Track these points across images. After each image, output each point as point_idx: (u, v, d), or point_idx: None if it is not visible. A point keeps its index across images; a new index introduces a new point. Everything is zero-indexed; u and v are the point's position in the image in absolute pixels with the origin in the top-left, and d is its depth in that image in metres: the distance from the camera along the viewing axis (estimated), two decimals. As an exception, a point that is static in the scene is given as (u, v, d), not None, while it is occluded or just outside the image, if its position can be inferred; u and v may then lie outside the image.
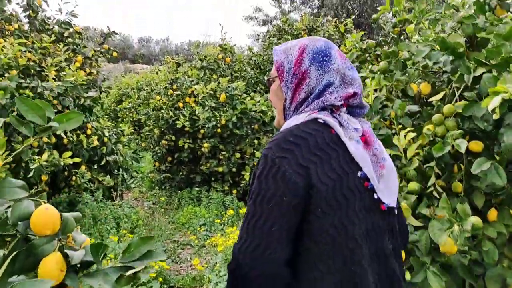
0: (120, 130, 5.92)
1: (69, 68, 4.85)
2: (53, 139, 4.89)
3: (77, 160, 4.57)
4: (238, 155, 5.79)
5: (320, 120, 1.03)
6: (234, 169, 5.82)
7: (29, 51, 4.52)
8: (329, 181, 0.96)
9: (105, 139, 5.62)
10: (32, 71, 4.46)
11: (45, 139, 4.64)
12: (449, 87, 1.92)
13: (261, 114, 5.82)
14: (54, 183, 5.17)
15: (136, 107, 9.89)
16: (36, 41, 4.95)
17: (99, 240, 4.43)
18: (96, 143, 5.31)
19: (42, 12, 5.68)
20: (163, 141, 6.47)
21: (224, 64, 6.85)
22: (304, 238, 0.97)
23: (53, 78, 4.76)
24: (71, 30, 5.70)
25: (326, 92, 1.06)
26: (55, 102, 4.80)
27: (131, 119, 9.57)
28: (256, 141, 5.78)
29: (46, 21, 5.68)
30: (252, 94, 5.95)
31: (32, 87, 4.10)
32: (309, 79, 1.07)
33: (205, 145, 5.85)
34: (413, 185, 1.78)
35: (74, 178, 5.19)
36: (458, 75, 1.81)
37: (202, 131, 5.90)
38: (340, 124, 1.04)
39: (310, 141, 0.98)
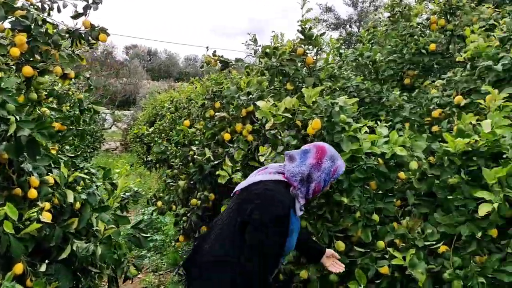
0: (110, 182, 3.09)
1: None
2: None
3: None
4: (340, 244, 2.77)
5: None
6: (332, 276, 2.80)
7: None
8: None
9: (76, 205, 2.79)
10: None
11: None
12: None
13: (392, 163, 2.83)
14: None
15: (166, 132, 7.18)
16: None
17: None
18: (46, 217, 2.49)
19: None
20: (194, 200, 3.59)
21: (304, 66, 3.92)
22: None
23: None
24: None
25: None
26: None
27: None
28: (376, 216, 2.77)
29: None
30: (369, 123, 2.96)
31: None
32: None
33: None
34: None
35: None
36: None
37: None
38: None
39: None
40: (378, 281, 2.62)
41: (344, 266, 2.40)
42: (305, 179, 1.95)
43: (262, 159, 2.58)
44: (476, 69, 3.31)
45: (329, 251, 2.41)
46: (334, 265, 2.40)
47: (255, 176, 2.03)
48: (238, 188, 2.08)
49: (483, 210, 2.23)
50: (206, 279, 1.95)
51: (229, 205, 2.10)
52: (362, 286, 2.54)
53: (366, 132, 2.83)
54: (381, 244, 2.65)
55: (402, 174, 2.87)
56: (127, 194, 3.61)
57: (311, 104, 2.80)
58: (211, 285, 1.92)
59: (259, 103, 2.79)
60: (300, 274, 2.80)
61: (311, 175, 1.96)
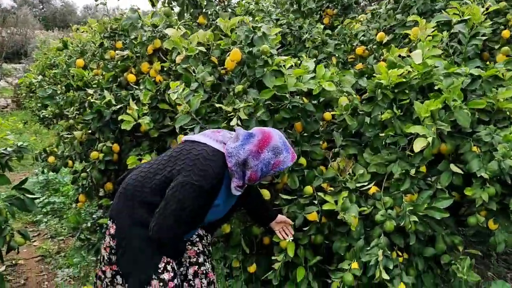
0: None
1: None
2: None
3: None
4: (265, 193, 2.51)
5: None
6: (255, 228, 2.56)
7: None
8: None
9: None
10: None
11: None
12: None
13: (317, 102, 2.58)
14: None
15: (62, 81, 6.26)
16: None
17: None
18: None
19: None
20: (94, 153, 3.07)
21: (218, 4, 3.46)
22: None
23: None
24: None
25: None
26: None
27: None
28: (303, 160, 2.54)
29: None
30: (292, 59, 2.65)
31: None
32: None
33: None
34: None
35: None
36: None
37: (181, 136, 2.50)
38: None
39: None
40: (305, 228, 2.42)
41: (293, 233, 2.32)
42: (240, 163, 1.80)
43: (173, 96, 2.15)
44: (399, 2, 3.14)
45: (281, 217, 2.29)
46: (283, 230, 2.32)
47: (205, 137, 1.89)
48: (186, 138, 1.96)
49: (418, 145, 2.07)
50: (120, 226, 1.86)
51: (169, 150, 1.97)
52: (289, 236, 2.32)
53: (291, 66, 2.52)
54: (309, 189, 2.43)
55: (327, 115, 2.64)
56: (8, 150, 2.97)
57: (229, 33, 2.39)
58: (127, 231, 1.84)
59: (168, 30, 2.32)
60: (222, 229, 2.50)
61: (247, 161, 1.80)
